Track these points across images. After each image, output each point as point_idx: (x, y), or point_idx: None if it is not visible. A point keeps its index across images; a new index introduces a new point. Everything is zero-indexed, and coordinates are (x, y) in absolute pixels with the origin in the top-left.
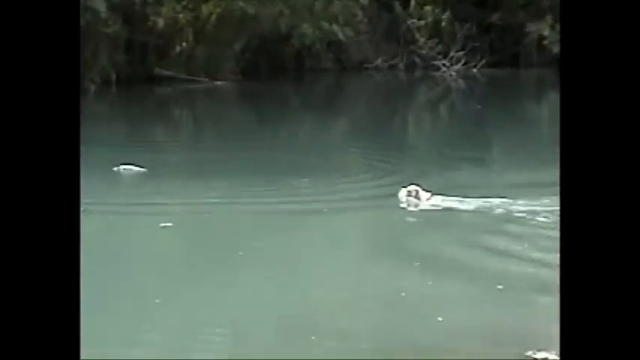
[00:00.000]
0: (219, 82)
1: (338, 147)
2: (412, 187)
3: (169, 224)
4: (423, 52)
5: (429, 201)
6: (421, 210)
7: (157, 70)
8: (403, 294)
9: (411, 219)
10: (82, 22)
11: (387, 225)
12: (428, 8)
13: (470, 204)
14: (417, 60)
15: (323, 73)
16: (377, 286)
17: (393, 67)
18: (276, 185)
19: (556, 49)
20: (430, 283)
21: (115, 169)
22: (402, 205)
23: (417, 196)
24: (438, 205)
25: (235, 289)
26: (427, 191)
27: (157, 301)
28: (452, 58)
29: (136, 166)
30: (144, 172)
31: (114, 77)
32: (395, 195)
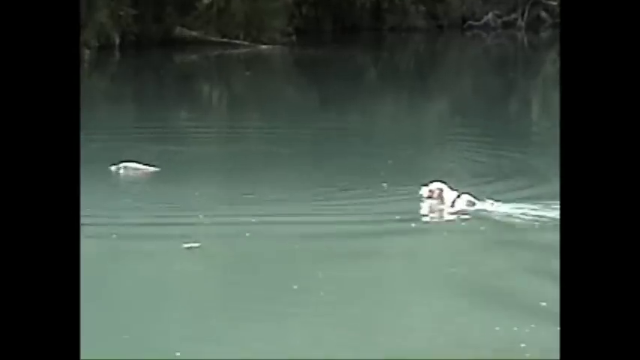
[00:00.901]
0: (264, 47)
1: (430, 138)
2: (435, 186)
3: (195, 245)
4: (553, 2)
5: (456, 205)
6: (447, 221)
7: (179, 30)
8: (523, 345)
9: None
10: None
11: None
12: None
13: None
14: (544, 15)
15: (411, 34)
16: (482, 332)
17: (509, 24)
18: (343, 193)
19: None
20: (533, 326)
21: (113, 168)
22: (422, 211)
23: (440, 197)
24: (465, 211)
25: (290, 339)
26: (454, 189)
27: (178, 354)
28: None
29: (144, 164)
30: (155, 173)
31: (117, 40)
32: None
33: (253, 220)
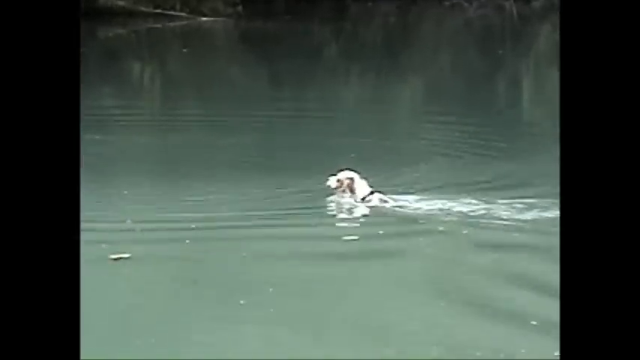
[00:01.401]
0: (205, 19)
1: (400, 127)
2: (344, 174)
3: (124, 255)
4: None
5: (370, 200)
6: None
7: (103, 0)
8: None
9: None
10: None
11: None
12: None
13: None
14: None
15: (378, 3)
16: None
17: None
18: (294, 196)
19: None
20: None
21: None
22: (329, 202)
23: (350, 188)
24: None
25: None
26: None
27: None
28: None
29: None
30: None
31: None
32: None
33: (193, 226)
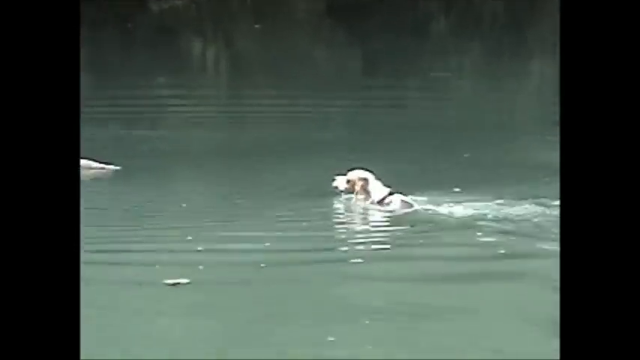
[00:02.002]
0: None
1: (527, 121)
2: (356, 174)
3: (183, 281)
4: None
5: (388, 204)
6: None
7: None
8: None
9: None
10: None
11: None
12: None
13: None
14: None
15: None
16: None
17: None
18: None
19: None
20: None
21: None
22: (336, 205)
23: (364, 190)
24: (393, 211)
25: None
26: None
27: None
28: None
29: (97, 160)
30: (114, 174)
31: None
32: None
33: (267, 244)
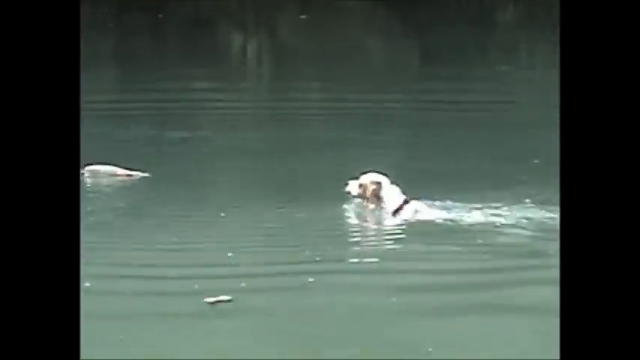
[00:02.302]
0: None
1: None
2: (368, 178)
3: (224, 298)
4: None
5: (401, 212)
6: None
7: None
8: None
9: None
10: None
11: None
12: None
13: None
14: None
15: None
16: None
17: None
18: (449, 224)
19: None
20: None
21: None
22: (350, 220)
23: (377, 196)
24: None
25: None
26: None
27: None
28: None
29: (124, 167)
30: (143, 181)
31: None
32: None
33: (317, 259)
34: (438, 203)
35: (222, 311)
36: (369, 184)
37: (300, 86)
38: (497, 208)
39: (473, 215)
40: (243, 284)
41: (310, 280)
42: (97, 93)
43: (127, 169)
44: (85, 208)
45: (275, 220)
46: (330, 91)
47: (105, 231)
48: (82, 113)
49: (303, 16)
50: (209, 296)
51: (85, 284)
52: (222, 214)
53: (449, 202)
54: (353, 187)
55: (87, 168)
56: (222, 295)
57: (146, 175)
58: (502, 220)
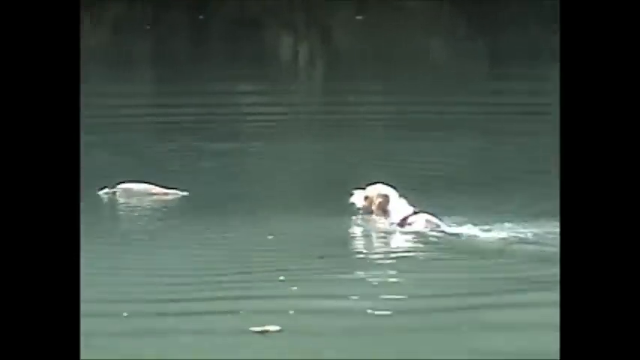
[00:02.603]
0: None
1: None
2: (375, 190)
3: (272, 328)
4: None
5: (411, 224)
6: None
7: None
8: None
9: None
10: None
11: None
12: None
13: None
14: None
15: None
16: None
17: None
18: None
19: None
20: None
21: (105, 193)
22: (354, 232)
23: (383, 209)
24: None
25: None
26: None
27: None
28: None
29: (160, 185)
30: (181, 200)
31: None
32: None
33: (375, 283)
34: (451, 217)
35: (271, 341)
36: (375, 197)
37: (357, 92)
38: (518, 222)
39: (488, 230)
40: (291, 312)
41: (369, 311)
42: (132, 100)
43: (163, 187)
44: (116, 231)
45: (330, 241)
46: (389, 96)
47: (139, 257)
48: (115, 123)
49: (359, 17)
50: (256, 325)
51: (122, 314)
52: (270, 237)
53: (461, 217)
54: (358, 198)
55: (119, 186)
56: (270, 324)
57: (184, 193)
58: (519, 236)
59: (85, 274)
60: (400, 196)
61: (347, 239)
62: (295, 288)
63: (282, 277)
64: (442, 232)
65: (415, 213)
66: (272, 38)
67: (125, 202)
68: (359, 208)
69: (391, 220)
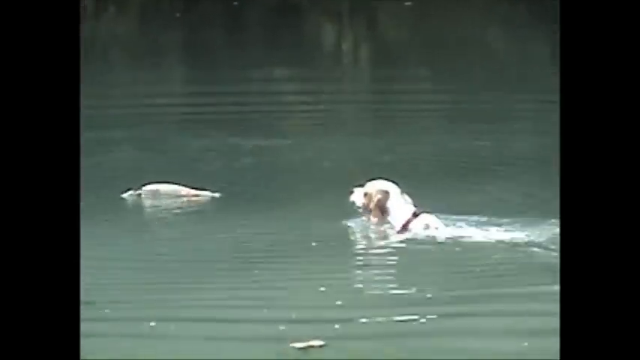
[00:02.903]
0: None
1: None
2: (375, 187)
3: (315, 344)
4: None
5: (411, 229)
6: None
7: None
8: None
9: None
10: None
11: None
12: None
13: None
14: None
15: None
16: None
17: None
18: None
19: None
20: None
21: (130, 195)
22: (353, 237)
23: (382, 208)
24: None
25: None
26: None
27: None
28: None
29: (189, 186)
30: (213, 203)
31: None
32: None
33: (428, 296)
34: (456, 217)
35: (313, 357)
36: (374, 194)
37: (406, 84)
38: (525, 225)
39: (493, 233)
40: (337, 326)
41: (422, 320)
42: (161, 90)
43: (193, 188)
44: (141, 238)
45: (378, 250)
46: (441, 88)
47: (167, 266)
48: (142, 116)
49: (407, 3)
50: (297, 341)
51: (150, 324)
52: (314, 244)
53: (470, 217)
54: (357, 196)
55: (145, 188)
56: (313, 339)
57: (217, 195)
58: (524, 239)
59: (105, 283)
60: (402, 192)
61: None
62: (340, 302)
63: (322, 288)
64: (445, 234)
65: (415, 215)
66: (313, 25)
67: (151, 205)
68: (358, 207)
69: (390, 224)
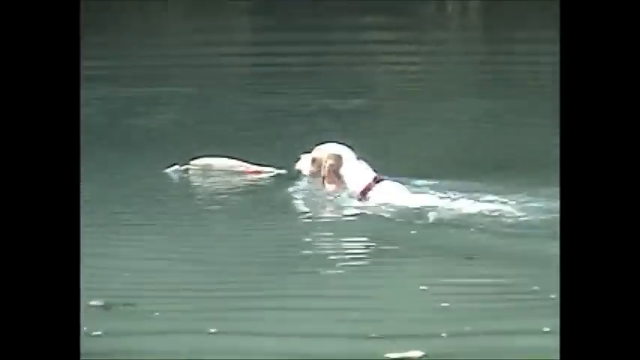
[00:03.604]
0: None
1: None
2: (326, 151)
3: (415, 355)
4: None
5: (369, 196)
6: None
7: None
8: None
9: None
10: None
11: None
12: None
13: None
14: None
15: None
16: None
17: None
18: None
19: None
20: None
21: (174, 171)
22: (298, 202)
23: (336, 175)
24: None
25: None
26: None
27: None
28: None
29: (244, 160)
30: (275, 180)
31: None
32: None
33: (553, 296)
34: (421, 183)
35: None
36: (325, 159)
37: (521, 42)
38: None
39: (466, 202)
40: (444, 334)
41: (546, 329)
42: (223, 38)
43: (254, 163)
44: (185, 223)
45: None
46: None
47: (226, 269)
48: (198, 70)
49: None
50: (392, 351)
51: (209, 330)
52: (414, 232)
53: (439, 183)
54: (304, 163)
55: (194, 162)
56: (411, 349)
57: (282, 172)
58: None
59: (145, 272)
60: (358, 158)
61: None
62: (447, 304)
63: (423, 287)
64: (408, 203)
65: (377, 181)
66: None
67: (200, 184)
68: (305, 175)
69: (347, 191)
